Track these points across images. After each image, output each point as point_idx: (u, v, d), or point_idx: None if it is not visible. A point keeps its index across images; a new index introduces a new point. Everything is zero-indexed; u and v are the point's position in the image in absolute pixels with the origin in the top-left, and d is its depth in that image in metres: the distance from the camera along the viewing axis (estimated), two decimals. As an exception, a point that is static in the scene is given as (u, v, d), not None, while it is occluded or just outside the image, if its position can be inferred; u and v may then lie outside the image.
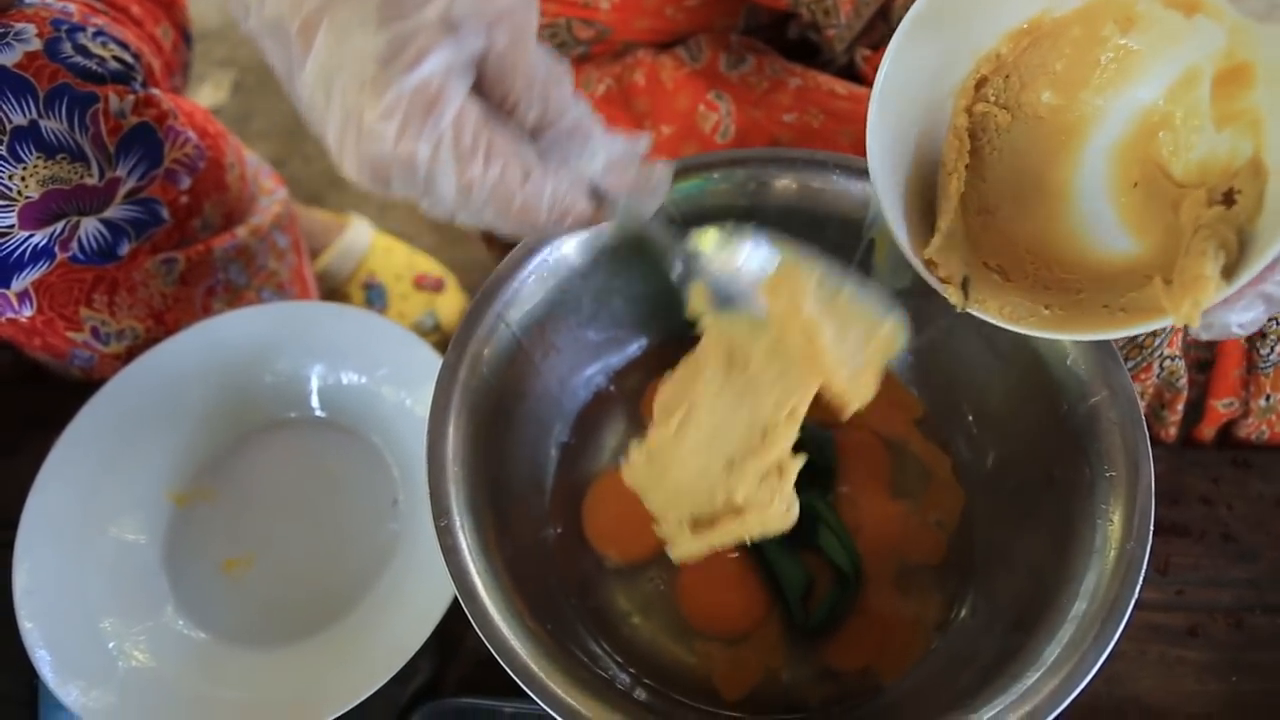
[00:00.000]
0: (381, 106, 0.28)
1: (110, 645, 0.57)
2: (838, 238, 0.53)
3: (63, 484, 0.60)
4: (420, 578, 0.58)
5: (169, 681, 0.56)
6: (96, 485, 0.61)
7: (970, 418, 0.54)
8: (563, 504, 0.56)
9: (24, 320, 0.63)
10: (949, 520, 0.54)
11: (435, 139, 0.28)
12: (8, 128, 0.53)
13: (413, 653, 0.53)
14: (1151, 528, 0.42)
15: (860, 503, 0.55)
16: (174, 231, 0.67)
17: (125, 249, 0.63)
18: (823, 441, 0.55)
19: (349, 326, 0.66)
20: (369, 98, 0.28)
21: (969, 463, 0.55)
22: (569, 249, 0.51)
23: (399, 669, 0.53)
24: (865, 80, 0.68)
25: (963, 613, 0.51)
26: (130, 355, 0.66)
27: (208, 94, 1.38)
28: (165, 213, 0.65)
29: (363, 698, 0.52)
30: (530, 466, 0.55)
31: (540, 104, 0.31)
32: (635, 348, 0.59)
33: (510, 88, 0.31)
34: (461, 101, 0.29)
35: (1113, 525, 0.43)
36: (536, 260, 0.51)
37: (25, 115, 0.53)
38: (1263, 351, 0.59)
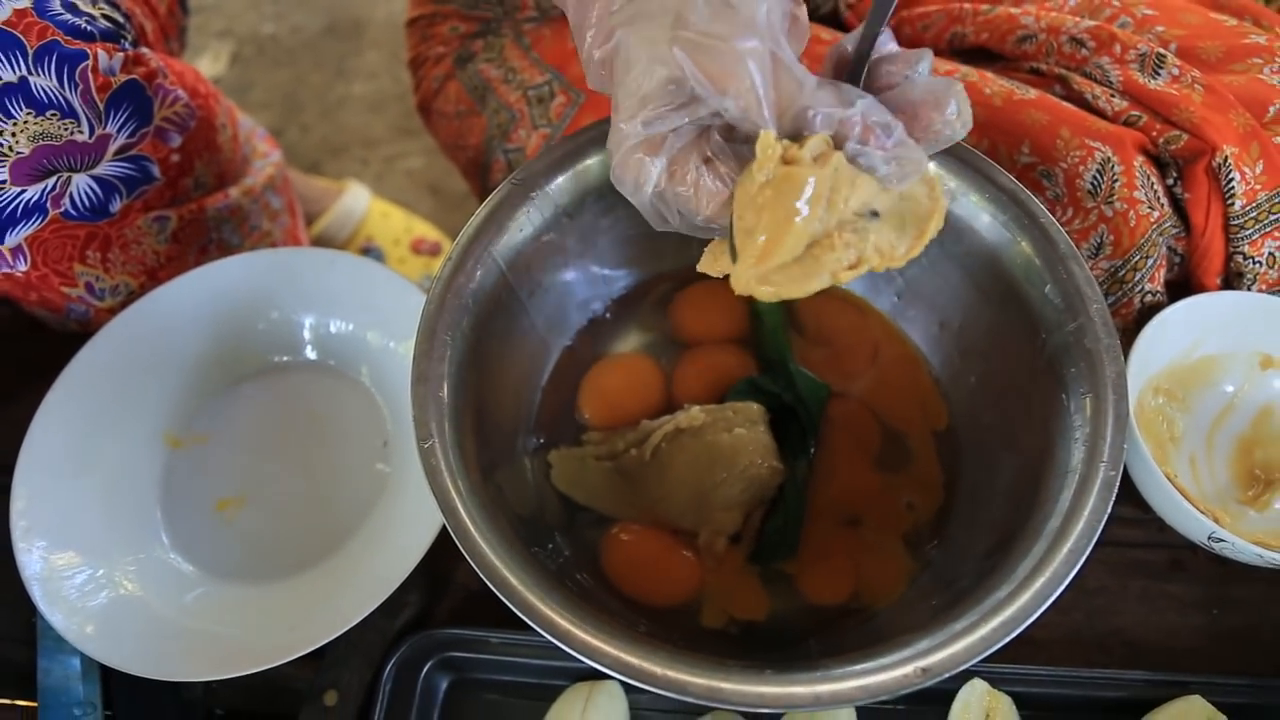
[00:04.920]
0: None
1: (100, 574, 0.58)
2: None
3: (58, 426, 0.61)
4: (408, 516, 0.58)
5: (157, 613, 0.57)
6: (92, 428, 0.62)
7: (955, 352, 0.55)
8: (550, 413, 0.57)
9: (19, 275, 0.64)
10: (923, 509, 0.54)
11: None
12: None
13: (398, 583, 0.54)
14: (1125, 444, 0.42)
15: (838, 467, 0.55)
16: (166, 190, 0.68)
17: (117, 206, 0.64)
18: (816, 388, 0.56)
19: (341, 273, 0.66)
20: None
21: (954, 398, 0.55)
22: (555, 189, 0.52)
23: (385, 599, 0.54)
24: (849, 27, 0.68)
25: (943, 543, 0.52)
26: (125, 310, 0.67)
27: (206, 65, 1.39)
28: (156, 170, 0.66)
29: (348, 627, 0.53)
30: (516, 397, 0.55)
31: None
32: (621, 287, 0.59)
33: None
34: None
35: (1087, 445, 0.43)
36: (523, 199, 0.51)
37: (14, 72, 0.54)
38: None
